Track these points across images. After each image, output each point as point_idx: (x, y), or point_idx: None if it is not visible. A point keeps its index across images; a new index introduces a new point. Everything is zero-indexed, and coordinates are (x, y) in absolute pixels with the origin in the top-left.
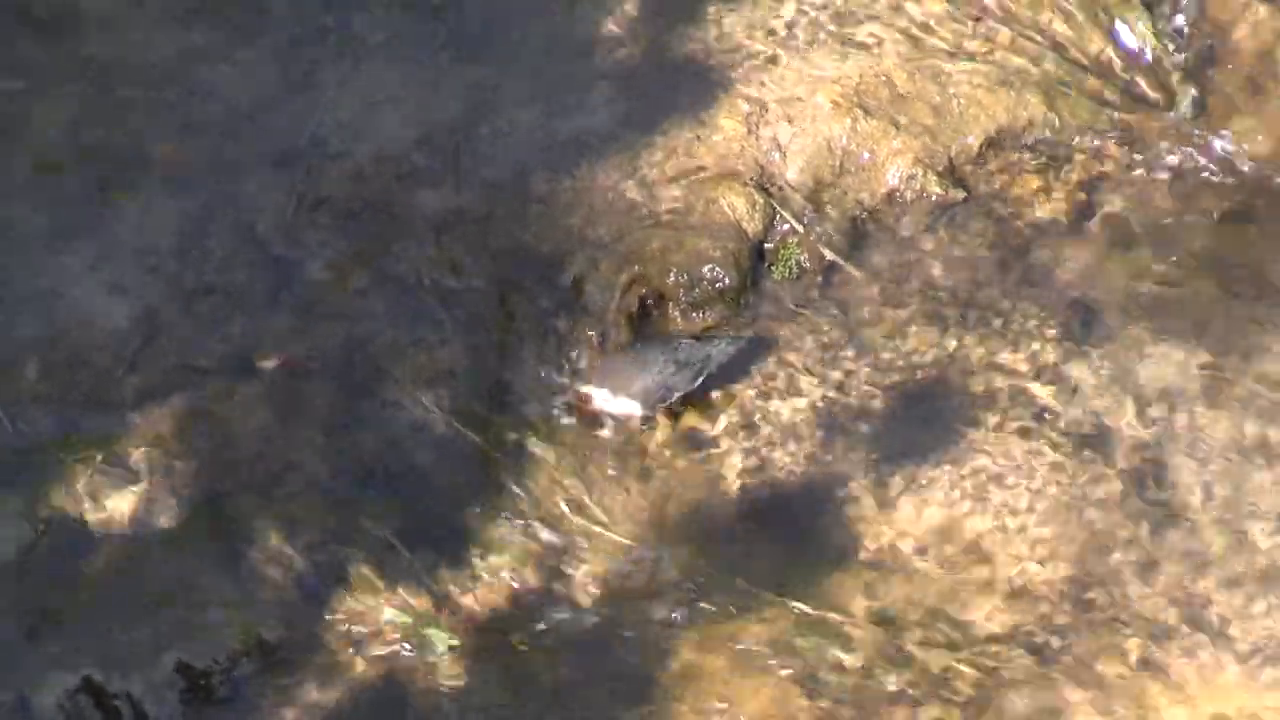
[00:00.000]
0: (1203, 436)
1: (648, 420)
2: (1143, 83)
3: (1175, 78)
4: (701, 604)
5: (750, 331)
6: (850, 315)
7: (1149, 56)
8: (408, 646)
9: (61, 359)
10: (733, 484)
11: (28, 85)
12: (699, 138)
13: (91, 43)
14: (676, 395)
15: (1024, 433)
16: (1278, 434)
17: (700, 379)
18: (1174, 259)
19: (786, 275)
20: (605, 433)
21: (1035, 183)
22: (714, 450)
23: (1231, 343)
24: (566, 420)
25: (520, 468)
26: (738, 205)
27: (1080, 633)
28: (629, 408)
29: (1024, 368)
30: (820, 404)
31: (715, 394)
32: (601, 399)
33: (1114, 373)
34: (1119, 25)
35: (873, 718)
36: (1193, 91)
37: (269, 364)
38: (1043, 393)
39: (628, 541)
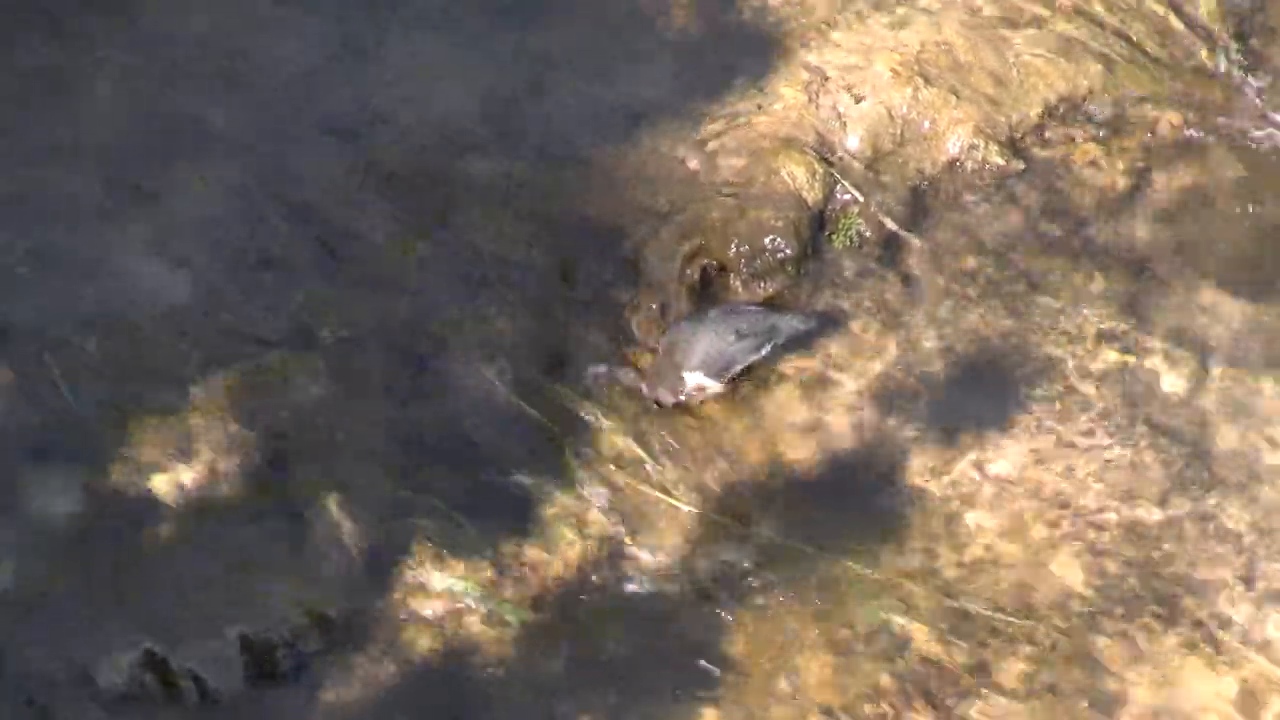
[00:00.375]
0: (1266, 403)
1: (712, 391)
2: (1202, 52)
3: (1233, 47)
4: (765, 573)
5: (818, 307)
6: (910, 284)
7: (1207, 25)
8: (470, 620)
9: (122, 332)
10: (794, 453)
11: (80, 56)
12: (759, 107)
13: (150, 13)
14: (738, 367)
15: (1086, 401)
16: None
17: (764, 351)
18: (1235, 227)
19: (847, 244)
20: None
21: (1095, 152)
22: (775, 419)
23: None
24: (627, 392)
25: (581, 439)
26: (798, 175)
27: (1142, 599)
28: (693, 381)
29: (1085, 336)
30: (881, 373)
31: (776, 363)
32: (654, 386)
33: (1176, 341)
34: None
35: (936, 687)
36: (1234, 55)
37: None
38: (1105, 361)
39: (691, 510)
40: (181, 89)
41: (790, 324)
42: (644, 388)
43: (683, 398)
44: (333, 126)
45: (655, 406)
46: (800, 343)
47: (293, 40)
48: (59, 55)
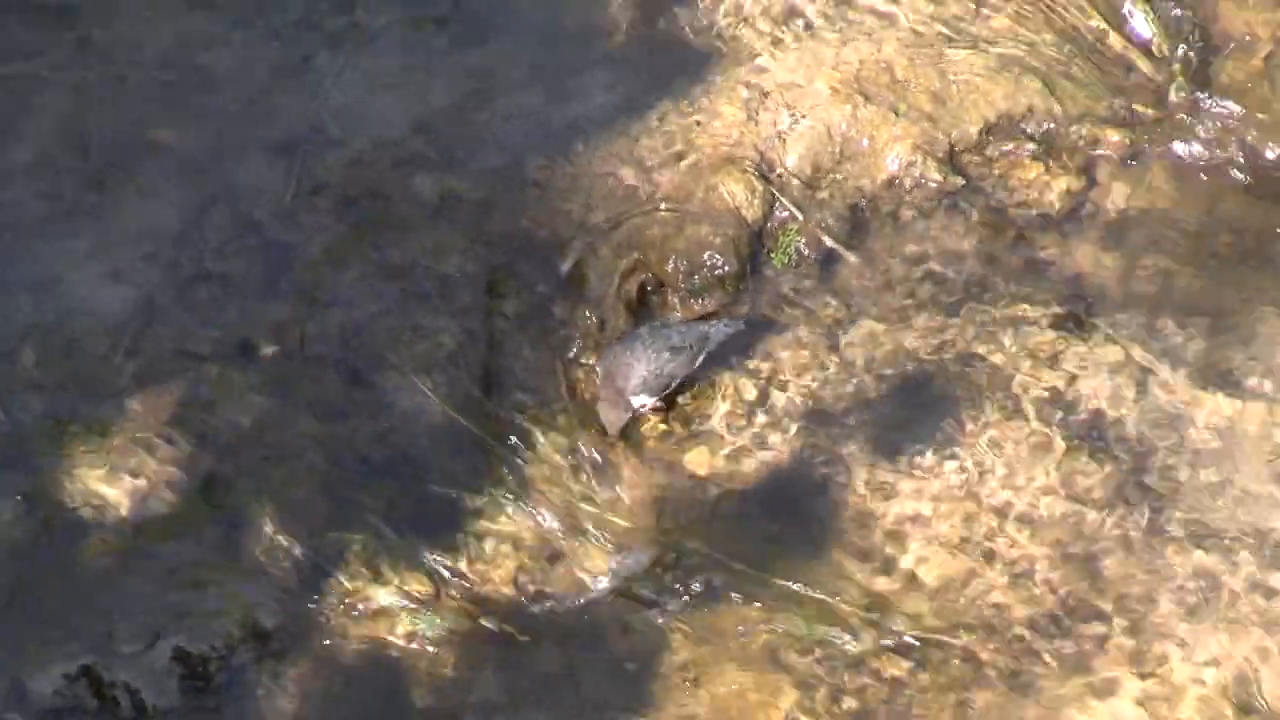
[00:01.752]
0: (1203, 423)
1: (652, 409)
2: (1142, 69)
3: (1174, 65)
4: (700, 590)
5: (747, 312)
6: (849, 302)
7: (1149, 43)
8: (404, 633)
9: (59, 345)
10: (731, 470)
11: (27, 70)
12: (699, 124)
13: (92, 27)
14: (676, 381)
15: (1022, 420)
16: (1274, 429)
17: (698, 361)
18: (1173, 246)
19: (786, 262)
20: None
21: (1035, 169)
22: (712, 436)
23: (1232, 329)
24: (563, 407)
25: (517, 454)
26: (737, 192)
27: (1077, 619)
28: (637, 403)
29: (1023, 355)
30: (819, 391)
31: (714, 380)
32: (605, 413)
33: (1113, 360)
34: (1121, 11)
35: (872, 705)
36: (1181, 75)
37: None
38: (1041, 381)
39: (625, 527)
40: (126, 105)
41: (721, 329)
42: (601, 418)
43: (627, 417)
44: (274, 142)
45: (606, 434)
46: (738, 359)
47: (238, 58)
48: (3, 69)
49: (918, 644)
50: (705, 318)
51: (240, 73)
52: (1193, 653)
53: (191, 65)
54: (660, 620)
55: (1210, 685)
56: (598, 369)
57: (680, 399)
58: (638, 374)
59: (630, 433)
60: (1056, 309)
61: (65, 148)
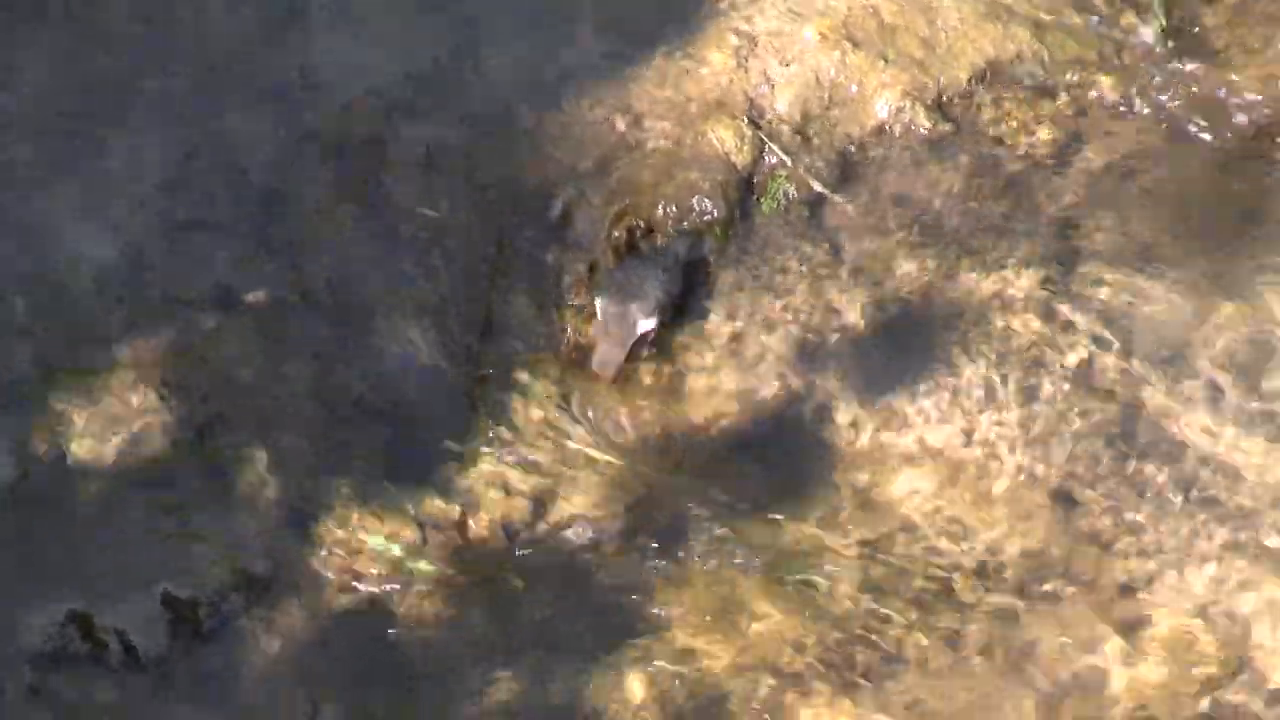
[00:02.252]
0: (1188, 369)
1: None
2: (1133, 14)
3: (1158, 13)
4: (689, 532)
5: (746, 268)
6: (837, 246)
7: None
8: (394, 578)
9: (47, 294)
10: (721, 412)
11: (12, 17)
12: (687, 71)
13: None
14: (673, 299)
15: (1010, 364)
16: (1262, 366)
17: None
18: (1161, 193)
19: (775, 207)
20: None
21: (1023, 116)
22: (702, 379)
23: (1218, 276)
24: (553, 351)
25: (507, 400)
26: (726, 138)
27: (1065, 561)
28: (643, 328)
29: (1011, 300)
30: (808, 334)
31: (701, 323)
32: (603, 355)
33: (1100, 306)
34: None
35: (861, 645)
36: (1162, 22)
37: None
38: (1029, 325)
39: (616, 469)
40: (114, 54)
41: (695, 246)
42: (595, 359)
43: (622, 358)
44: (262, 91)
45: (581, 365)
46: (728, 302)
47: (225, 7)
48: None
49: (904, 581)
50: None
51: (227, 22)
52: (1179, 597)
53: (176, 16)
54: (651, 560)
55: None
56: (600, 304)
57: (670, 339)
58: (652, 297)
59: (622, 376)
60: (1045, 255)
61: (50, 97)
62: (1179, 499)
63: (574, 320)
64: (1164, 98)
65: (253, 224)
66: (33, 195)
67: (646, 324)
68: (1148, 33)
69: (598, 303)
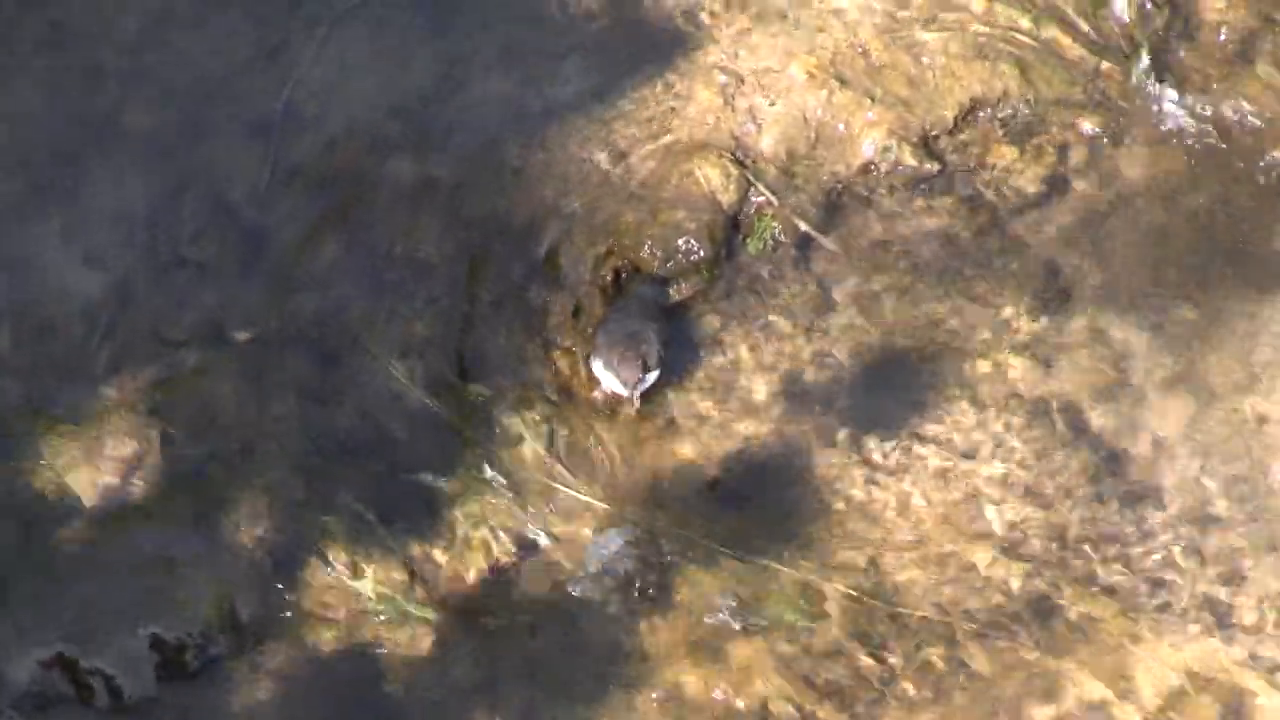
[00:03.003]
0: (1177, 406)
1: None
2: (1118, 55)
3: (1144, 49)
4: (678, 573)
5: (732, 309)
6: (825, 287)
7: (1126, 24)
8: (381, 620)
9: (33, 328)
10: (708, 453)
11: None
12: (674, 109)
13: (65, 9)
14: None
15: (999, 403)
16: (1253, 401)
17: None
18: (1148, 228)
19: (761, 248)
20: (596, 396)
21: (1010, 153)
22: (689, 420)
23: (1207, 311)
24: (540, 390)
25: (494, 439)
26: (713, 177)
27: (1052, 599)
28: (649, 382)
29: (999, 339)
30: (796, 375)
31: (691, 364)
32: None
33: (1089, 343)
34: None
35: (849, 686)
36: (1149, 58)
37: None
38: (1018, 364)
39: (603, 511)
40: (102, 88)
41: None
42: (622, 395)
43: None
44: (249, 125)
45: (567, 406)
46: (715, 344)
47: (214, 42)
48: None
49: (897, 622)
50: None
51: (214, 56)
52: (1162, 642)
53: (165, 48)
54: (637, 602)
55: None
56: (606, 356)
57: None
58: (656, 346)
59: (608, 417)
60: (1033, 292)
61: (38, 130)
62: (1169, 540)
63: (561, 360)
64: (1149, 133)
65: (238, 260)
66: (18, 229)
67: (650, 378)
68: (1133, 70)
69: (595, 363)
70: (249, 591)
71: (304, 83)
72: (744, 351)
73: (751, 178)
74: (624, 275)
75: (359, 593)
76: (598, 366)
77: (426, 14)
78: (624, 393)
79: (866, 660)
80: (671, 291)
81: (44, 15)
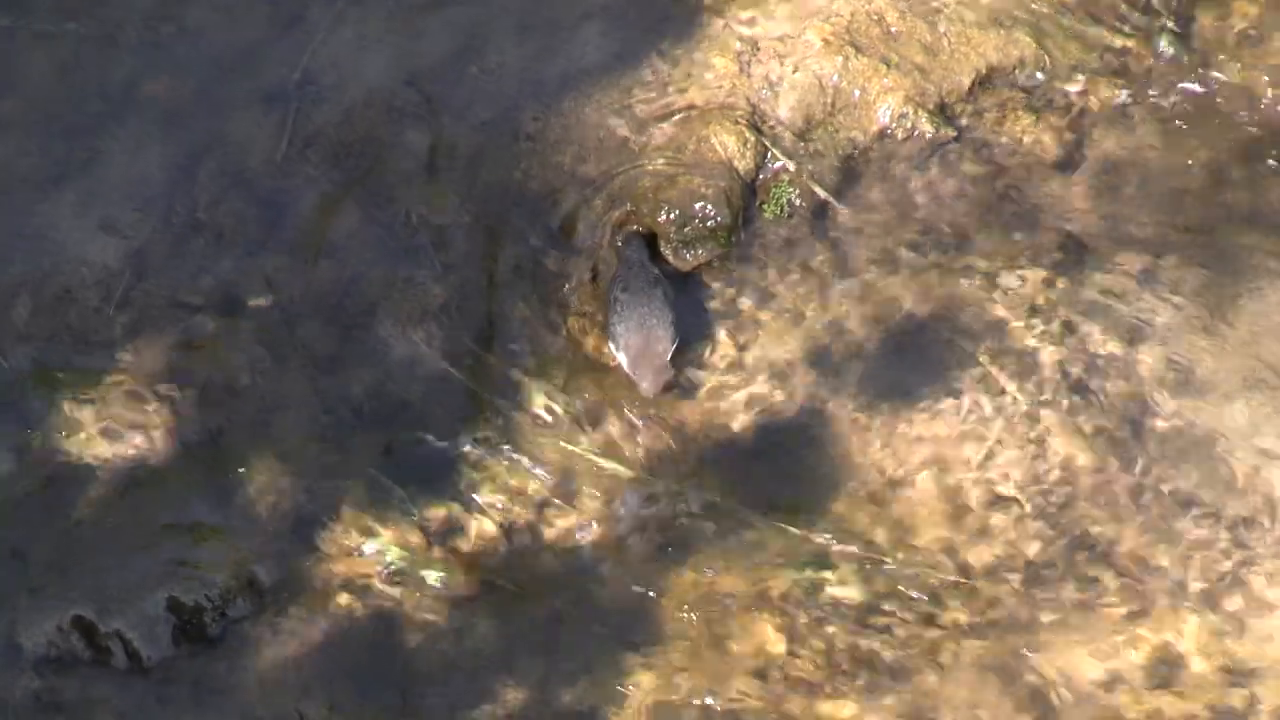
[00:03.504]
0: (1190, 373)
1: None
2: (1134, 22)
3: (1164, 13)
4: (696, 539)
5: (749, 274)
6: (841, 252)
7: None
8: (398, 584)
9: (51, 297)
10: (725, 419)
11: (16, 23)
12: (690, 75)
13: None
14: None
15: (1013, 368)
16: (1266, 372)
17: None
18: (1163, 195)
19: (778, 213)
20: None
21: (1026, 120)
22: (707, 385)
23: (1220, 279)
24: (556, 357)
25: (510, 403)
26: (729, 143)
27: (1065, 564)
28: (669, 353)
29: (1014, 305)
30: (811, 341)
31: (707, 330)
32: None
33: (1103, 310)
34: None
35: (861, 647)
36: (1171, 31)
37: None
38: (1032, 329)
39: (621, 476)
40: (115, 59)
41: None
42: (642, 386)
43: (668, 375)
44: (266, 95)
45: (586, 371)
46: (733, 309)
47: (229, 13)
48: None
49: (909, 586)
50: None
51: (231, 28)
52: (1180, 600)
53: (181, 20)
54: (651, 566)
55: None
56: (620, 344)
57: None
58: (669, 326)
59: (626, 382)
60: (1048, 258)
61: (54, 102)
62: (1185, 510)
63: (579, 325)
64: (1166, 101)
65: (256, 228)
66: (36, 199)
67: (670, 348)
68: (1152, 38)
69: (618, 338)
70: (267, 556)
71: (321, 52)
72: (761, 316)
73: (768, 144)
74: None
75: (377, 557)
76: (622, 359)
77: None
78: (648, 393)
79: (884, 622)
80: (666, 251)
81: None
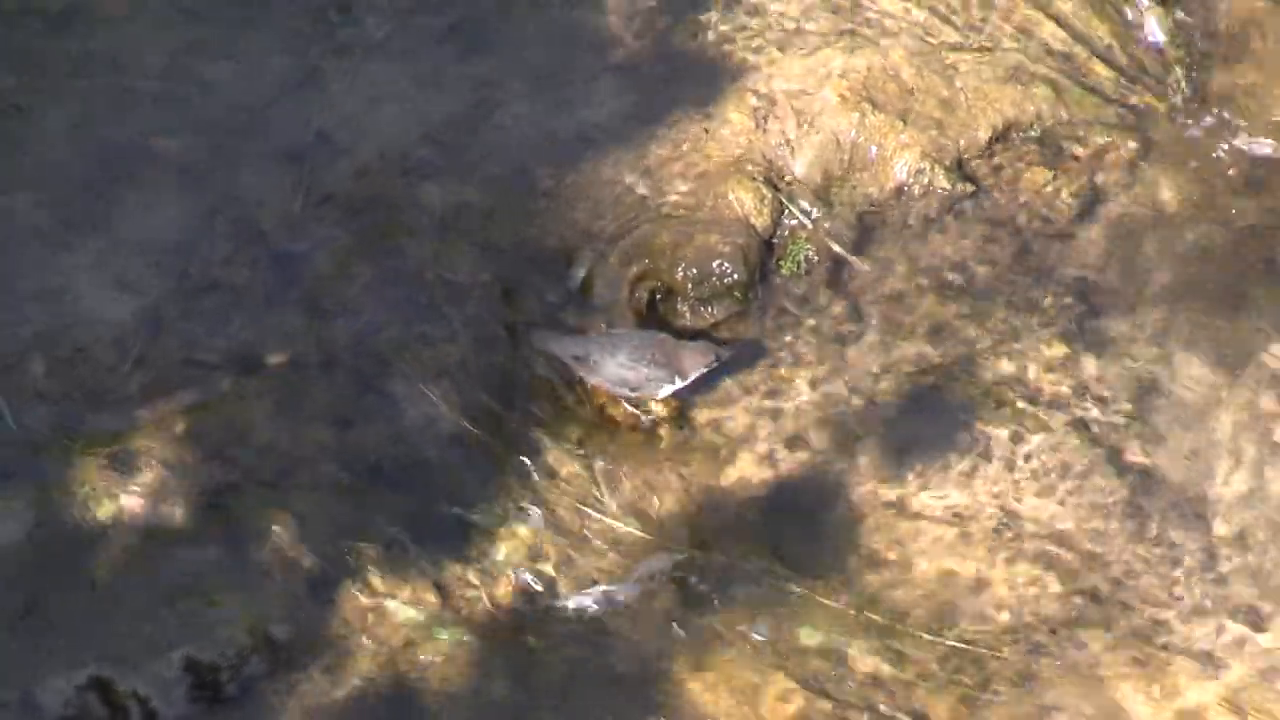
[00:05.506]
0: (1207, 430)
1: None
2: (1151, 75)
3: (1181, 70)
4: (711, 598)
5: (766, 332)
6: (858, 310)
7: (1160, 47)
8: (414, 643)
9: (66, 354)
10: (742, 478)
11: (32, 80)
12: (706, 131)
13: (98, 37)
14: (649, 396)
15: (1031, 426)
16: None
17: (672, 390)
18: (1179, 250)
19: (795, 270)
20: (618, 416)
21: (1042, 176)
22: (724, 444)
23: (1237, 334)
24: (573, 415)
25: (529, 463)
26: (746, 200)
27: (1083, 625)
28: (608, 386)
29: (1031, 361)
30: (828, 398)
31: (724, 388)
32: (586, 368)
33: (1120, 366)
34: (1132, 17)
35: (878, 707)
36: (1186, 80)
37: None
38: (1049, 386)
39: (637, 535)
40: (130, 115)
41: (700, 366)
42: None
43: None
44: (280, 152)
45: (602, 430)
46: (750, 367)
47: (243, 68)
48: (10, 80)
49: (926, 647)
50: (692, 344)
51: (245, 83)
52: (1198, 665)
53: (196, 76)
54: (669, 625)
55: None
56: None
57: (688, 406)
58: (609, 368)
59: (642, 441)
60: (1065, 314)
61: (70, 158)
62: (1198, 567)
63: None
64: (1182, 156)
65: (271, 285)
66: (50, 256)
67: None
68: (1167, 93)
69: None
70: (283, 614)
71: (335, 109)
72: (777, 373)
73: (785, 200)
74: (658, 297)
75: (392, 615)
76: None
77: (457, 40)
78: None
79: (903, 684)
80: (683, 308)
81: (76, 44)
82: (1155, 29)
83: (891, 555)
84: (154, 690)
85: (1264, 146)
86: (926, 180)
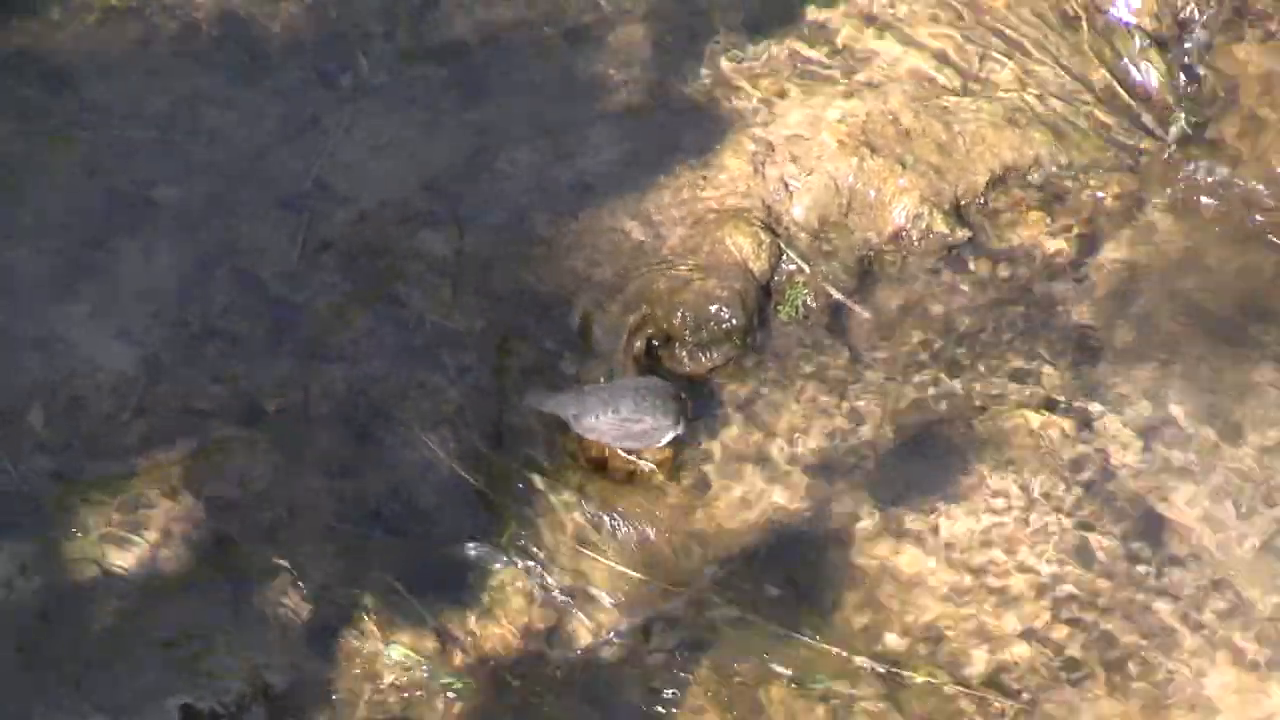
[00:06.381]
0: (1206, 475)
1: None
2: (1149, 119)
3: (1179, 115)
4: (709, 642)
5: (764, 377)
6: (856, 355)
7: (1156, 92)
8: (414, 690)
9: (65, 405)
10: (741, 522)
11: (30, 128)
12: (704, 177)
13: (97, 87)
14: (652, 445)
15: (1032, 471)
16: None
17: (674, 435)
18: (1179, 296)
19: (793, 315)
20: (616, 463)
21: (1041, 220)
22: (722, 488)
23: (1236, 381)
24: (572, 462)
25: (527, 509)
26: (744, 245)
27: (1090, 668)
28: (609, 441)
29: (1029, 407)
30: (826, 444)
31: (724, 432)
32: (584, 427)
33: (1119, 411)
34: (1129, 62)
35: None
36: (1185, 124)
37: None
38: (1048, 432)
39: (636, 578)
40: (129, 164)
41: (669, 432)
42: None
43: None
44: (279, 200)
45: (599, 476)
46: (748, 411)
47: (242, 117)
48: (8, 128)
49: (924, 693)
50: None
51: (244, 131)
52: (1201, 704)
53: (194, 124)
54: (669, 671)
55: None
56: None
57: (690, 449)
58: (587, 419)
59: (640, 485)
60: (1064, 361)
61: (68, 207)
62: (1199, 609)
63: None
64: (1181, 200)
65: (269, 334)
66: (49, 305)
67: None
68: (1166, 137)
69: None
70: (282, 662)
71: (334, 158)
72: (775, 419)
73: (783, 245)
74: (656, 344)
75: (392, 662)
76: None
77: (455, 88)
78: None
79: None
80: (681, 354)
81: (75, 94)
82: (1152, 73)
83: (887, 600)
84: None
85: (1262, 191)
86: (925, 224)
